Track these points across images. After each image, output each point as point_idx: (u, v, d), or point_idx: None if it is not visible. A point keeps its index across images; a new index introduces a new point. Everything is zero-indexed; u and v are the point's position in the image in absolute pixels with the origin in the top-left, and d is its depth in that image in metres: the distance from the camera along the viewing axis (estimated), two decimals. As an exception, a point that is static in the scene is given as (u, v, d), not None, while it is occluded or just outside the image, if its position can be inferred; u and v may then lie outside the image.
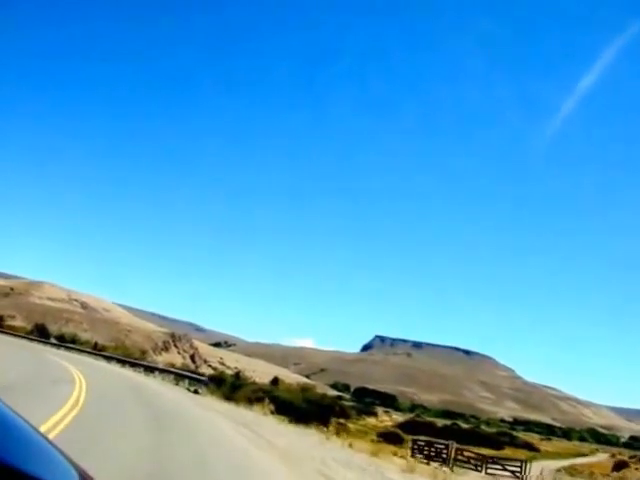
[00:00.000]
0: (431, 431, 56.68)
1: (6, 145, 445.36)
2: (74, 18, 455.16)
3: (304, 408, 34.92)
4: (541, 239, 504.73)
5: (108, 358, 47.09)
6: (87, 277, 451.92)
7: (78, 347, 56.13)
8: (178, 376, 35.91)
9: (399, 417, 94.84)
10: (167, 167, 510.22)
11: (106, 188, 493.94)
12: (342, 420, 39.02)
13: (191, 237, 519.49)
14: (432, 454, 34.74)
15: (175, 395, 28.38)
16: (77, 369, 28.57)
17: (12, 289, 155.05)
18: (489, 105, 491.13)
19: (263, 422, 22.61)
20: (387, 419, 78.24)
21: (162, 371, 38.84)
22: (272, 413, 28.86)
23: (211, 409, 23.96)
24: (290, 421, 27.14)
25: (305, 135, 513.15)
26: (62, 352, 48.95)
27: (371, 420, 56.69)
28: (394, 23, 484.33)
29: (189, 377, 34.23)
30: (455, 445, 33.81)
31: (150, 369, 39.96)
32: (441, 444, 35.21)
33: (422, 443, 36.94)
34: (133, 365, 41.29)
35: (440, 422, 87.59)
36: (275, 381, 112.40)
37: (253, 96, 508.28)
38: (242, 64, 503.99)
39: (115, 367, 42.02)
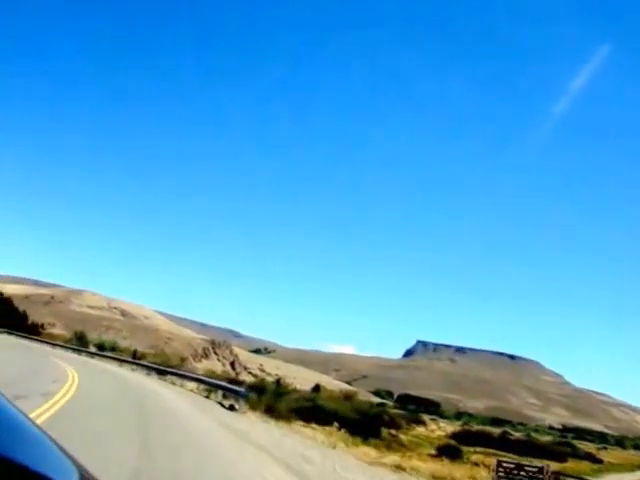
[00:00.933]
0: (487, 441, 52.79)
1: (54, 153, 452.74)
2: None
3: (353, 419, 31.48)
4: (593, 238, 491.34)
5: (137, 365, 43.68)
6: (127, 285, 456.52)
7: (113, 355, 53.18)
8: (211, 386, 30.77)
9: (447, 425, 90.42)
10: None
11: (145, 199, 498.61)
12: (393, 431, 35.34)
13: (229, 244, 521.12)
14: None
15: (200, 421, 19.21)
16: (78, 373, 26.27)
17: (52, 297, 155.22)
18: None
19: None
20: (436, 428, 74.12)
21: (194, 380, 34.08)
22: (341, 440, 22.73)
23: (251, 441, 15.85)
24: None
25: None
26: (92, 361, 46.31)
27: (421, 430, 52.96)
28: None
29: (223, 387, 28.88)
30: (550, 469, 29.45)
31: (180, 376, 36.27)
32: (533, 467, 30.51)
33: (509, 466, 31.55)
34: (163, 373, 37.60)
35: (490, 430, 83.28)
36: (317, 388, 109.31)
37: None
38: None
39: (140, 376, 38.36)
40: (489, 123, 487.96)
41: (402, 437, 34.88)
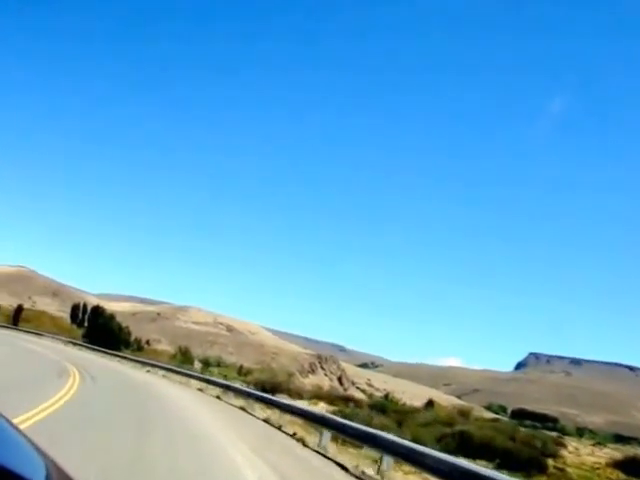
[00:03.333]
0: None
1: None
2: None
3: (508, 448, 24.85)
4: None
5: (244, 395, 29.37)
6: (233, 301, 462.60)
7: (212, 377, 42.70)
8: (318, 423, 17.22)
9: (577, 444, 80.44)
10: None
11: (248, 216, 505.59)
12: (552, 461, 28.30)
13: (330, 262, 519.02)
14: None
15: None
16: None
17: (159, 314, 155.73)
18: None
19: None
20: (574, 449, 65.01)
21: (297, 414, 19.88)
22: None
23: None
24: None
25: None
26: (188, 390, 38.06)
27: (566, 454, 45.11)
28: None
29: (335, 426, 15.66)
30: None
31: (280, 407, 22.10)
32: None
33: None
34: (268, 402, 24.22)
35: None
36: (430, 403, 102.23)
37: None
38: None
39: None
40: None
41: (569, 470, 27.78)
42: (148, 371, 44.47)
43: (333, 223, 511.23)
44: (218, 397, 29.72)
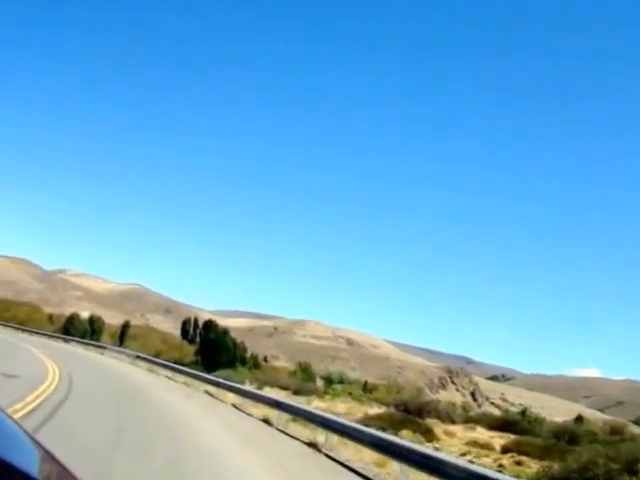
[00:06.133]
0: None
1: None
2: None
3: None
4: None
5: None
6: (350, 313, 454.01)
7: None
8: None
9: None
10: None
11: (369, 226, 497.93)
12: None
13: (451, 271, 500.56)
14: None
15: None
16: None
17: (275, 329, 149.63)
18: None
19: None
20: None
21: None
22: None
23: None
24: None
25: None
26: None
27: None
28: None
29: None
30: None
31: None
32: None
33: None
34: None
35: None
36: (579, 419, 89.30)
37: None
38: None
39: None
40: None
41: None
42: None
43: (455, 232, 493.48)
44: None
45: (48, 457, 1.52)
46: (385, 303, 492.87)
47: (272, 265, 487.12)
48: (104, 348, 50.90)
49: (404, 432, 23.89)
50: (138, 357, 44.26)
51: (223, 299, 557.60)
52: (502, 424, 38.75)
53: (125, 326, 73.47)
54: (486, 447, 27.85)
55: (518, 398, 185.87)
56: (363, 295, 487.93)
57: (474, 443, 27.96)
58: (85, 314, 78.50)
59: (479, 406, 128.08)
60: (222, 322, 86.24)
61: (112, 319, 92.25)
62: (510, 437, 34.23)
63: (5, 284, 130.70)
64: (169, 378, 35.69)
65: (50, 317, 79.69)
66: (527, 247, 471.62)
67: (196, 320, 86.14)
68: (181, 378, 34.83)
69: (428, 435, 24.03)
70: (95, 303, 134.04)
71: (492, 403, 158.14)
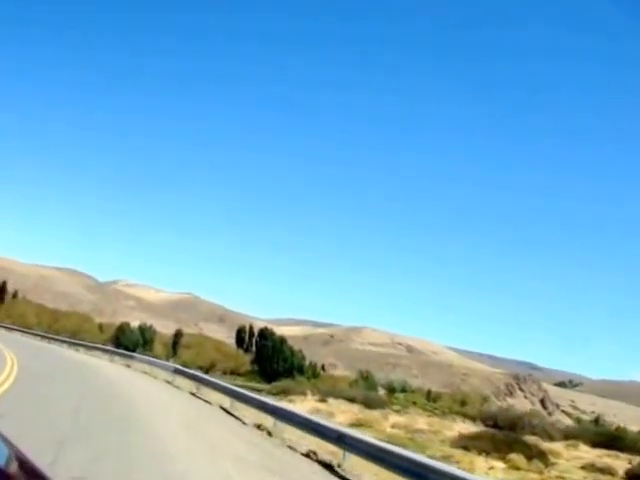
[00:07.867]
0: None
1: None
2: None
3: None
4: None
5: None
6: (407, 319, 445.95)
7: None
8: None
9: None
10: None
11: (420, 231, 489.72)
12: None
13: (509, 271, 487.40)
14: None
15: None
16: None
17: (332, 336, 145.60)
18: None
19: None
20: None
21: None
22: None
23: None
24: None
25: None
26: None
27: None
28: None
29: None
30: None
31: None
32: None
33: None
34: None
35: None
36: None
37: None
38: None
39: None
40: None
41: None
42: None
43: (519, 233, 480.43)
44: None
45: (18, 455, 1.46)
46: (441, 308, 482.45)
47: (324, 272, 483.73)
48: (131, 358, 36.47)
49: (513, 456, 19.00)
50: (177, 371, 28.35)
51: (276, 307, 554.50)
52: (606, 440, 33.31)
53: (177, 335, 70.18)
54: (607, 472, 22.65)
55: (590, 405, 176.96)
56: (419, 300, 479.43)
57: (591, 467, 22.80)
58: (136, 323, 75.68)
59: (550, 414, 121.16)
60: (277, 331, 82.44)
61: (165, 328, 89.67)
62: (619, 455, 29.11)
63: (59, 296, 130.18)
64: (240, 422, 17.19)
65: (100, 327, 77.08)
66: (589, 248, 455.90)
67: (251, 328, 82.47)
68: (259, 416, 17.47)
69: (543, 459, 19.08)
70: (148, 313, 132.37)
71: (563, 411, 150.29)
